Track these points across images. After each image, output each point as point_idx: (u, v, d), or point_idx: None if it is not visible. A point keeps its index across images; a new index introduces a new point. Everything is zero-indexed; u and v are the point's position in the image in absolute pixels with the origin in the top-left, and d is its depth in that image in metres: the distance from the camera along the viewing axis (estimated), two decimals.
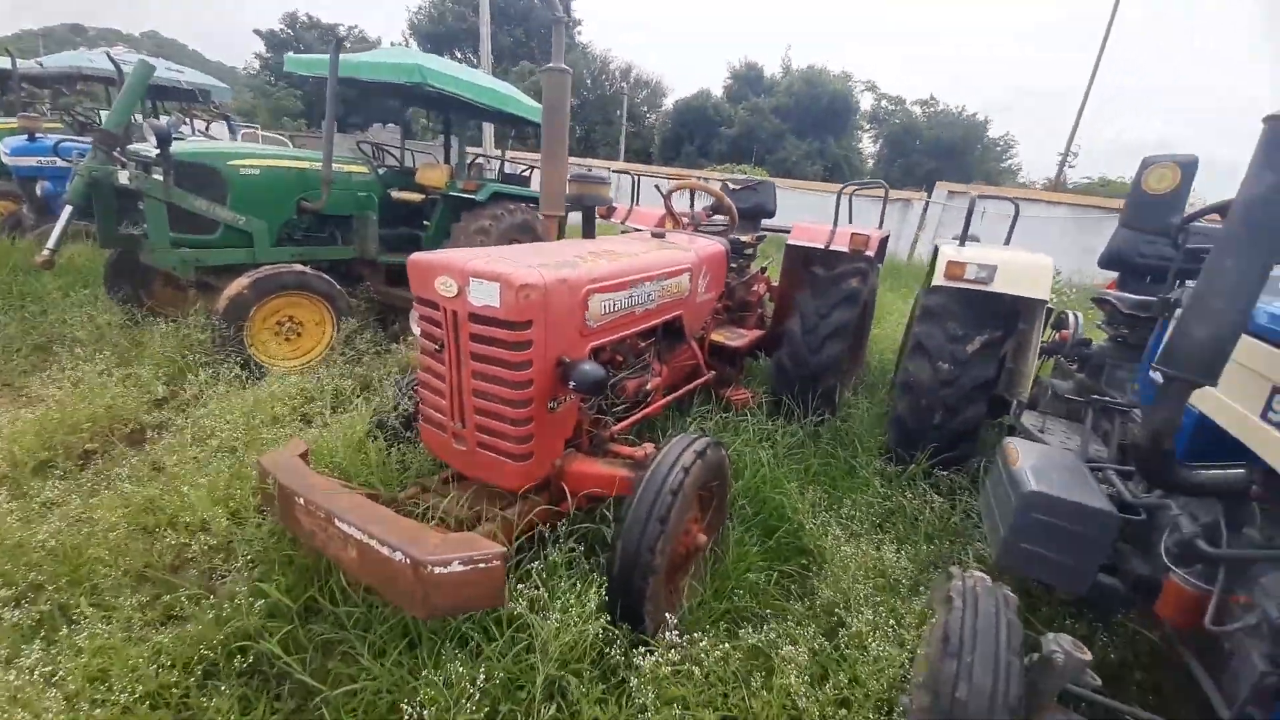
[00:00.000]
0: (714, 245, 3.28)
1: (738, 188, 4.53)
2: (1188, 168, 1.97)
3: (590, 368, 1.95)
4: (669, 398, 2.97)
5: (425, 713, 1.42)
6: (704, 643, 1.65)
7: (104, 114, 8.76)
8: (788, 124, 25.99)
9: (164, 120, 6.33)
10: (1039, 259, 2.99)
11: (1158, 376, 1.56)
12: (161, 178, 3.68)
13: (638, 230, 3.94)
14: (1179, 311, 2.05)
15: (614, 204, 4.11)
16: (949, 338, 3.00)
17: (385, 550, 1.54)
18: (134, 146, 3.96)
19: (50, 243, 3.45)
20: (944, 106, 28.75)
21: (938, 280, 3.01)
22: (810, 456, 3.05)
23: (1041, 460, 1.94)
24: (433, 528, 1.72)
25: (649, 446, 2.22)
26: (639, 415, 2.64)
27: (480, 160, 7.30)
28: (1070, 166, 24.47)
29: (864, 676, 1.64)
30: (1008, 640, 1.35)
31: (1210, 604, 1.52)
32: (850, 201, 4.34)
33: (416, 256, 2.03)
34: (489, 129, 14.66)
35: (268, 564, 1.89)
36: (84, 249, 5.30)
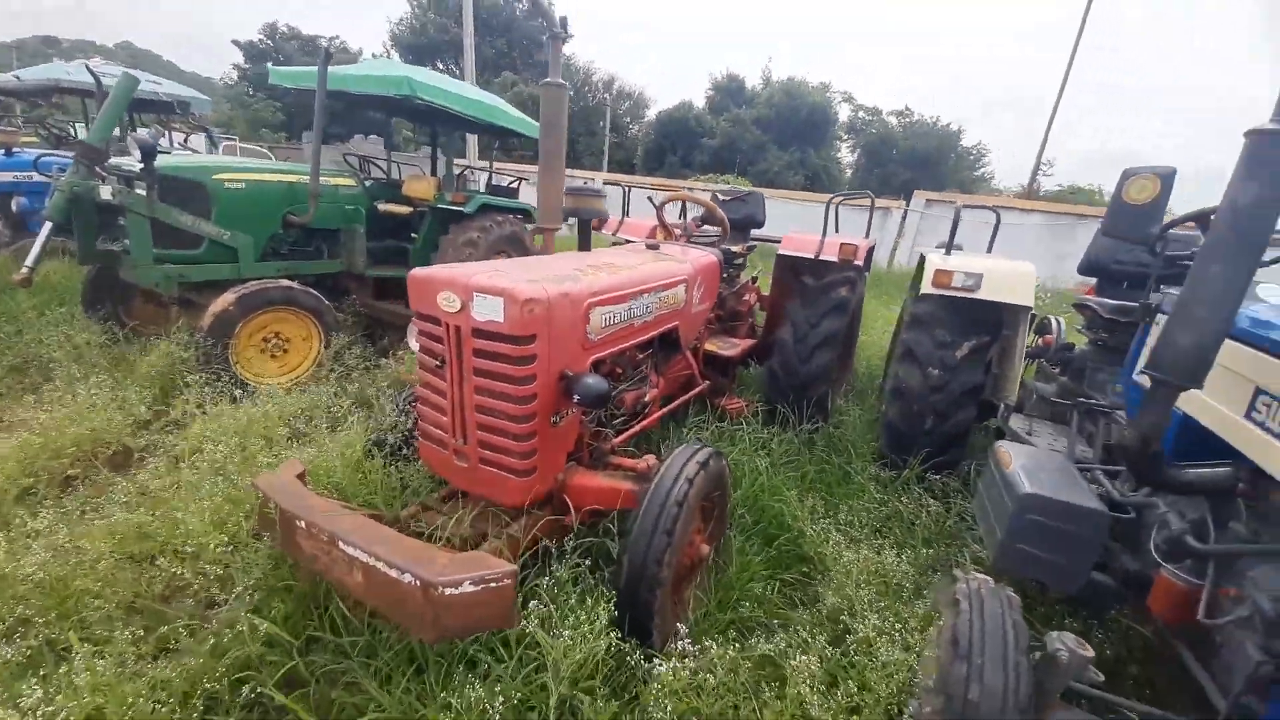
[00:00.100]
0: (707, 256, 3.32)
1: (727, 198, 4.59)
2: (1167, 179, 2.05)
3: (593, 381, 1.96)
4: (666, 409, 2.99)
5: None
6: (715, 651, 1.65)
7: (78, 127, 8.60)
8: (769, 135, 26.42)
9: (144, 132, 6.22)
10: (1022, 266, 3.08)
11: (1145, 380, 1.62)
12: (145, 193, 3.62)
13: (629, 241, 3.97)
14: (1160, 317, 2.14)
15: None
16: (938, 344, 3.07)
17: (393, 572, 1.52)
18: (116, 161, 3.88)
19: (29, 260, 3.37)
20: (919, 117, 29.49)
21: (926, 288, 3.08)
22: (806, 464, 3.08)
23: (1033, 462, 1.99)
24: (440, 547, 1.70)
25: (651, 458, 2.23)
26: (638, 427, 2.65)
27: (465, 172, 7.29)
28: (1047, 175, 25.24)
29: (873, 682, 1.66)
30: (1015, 641, 1.38)
31: (1201, 598, 1.57)
32: (837, 211, 4.42)
33: (417, 272, 2.02)
34: (472, 140, 14.65)
35: (265, 590, 1.85)
36: (60, 266, 5.17)
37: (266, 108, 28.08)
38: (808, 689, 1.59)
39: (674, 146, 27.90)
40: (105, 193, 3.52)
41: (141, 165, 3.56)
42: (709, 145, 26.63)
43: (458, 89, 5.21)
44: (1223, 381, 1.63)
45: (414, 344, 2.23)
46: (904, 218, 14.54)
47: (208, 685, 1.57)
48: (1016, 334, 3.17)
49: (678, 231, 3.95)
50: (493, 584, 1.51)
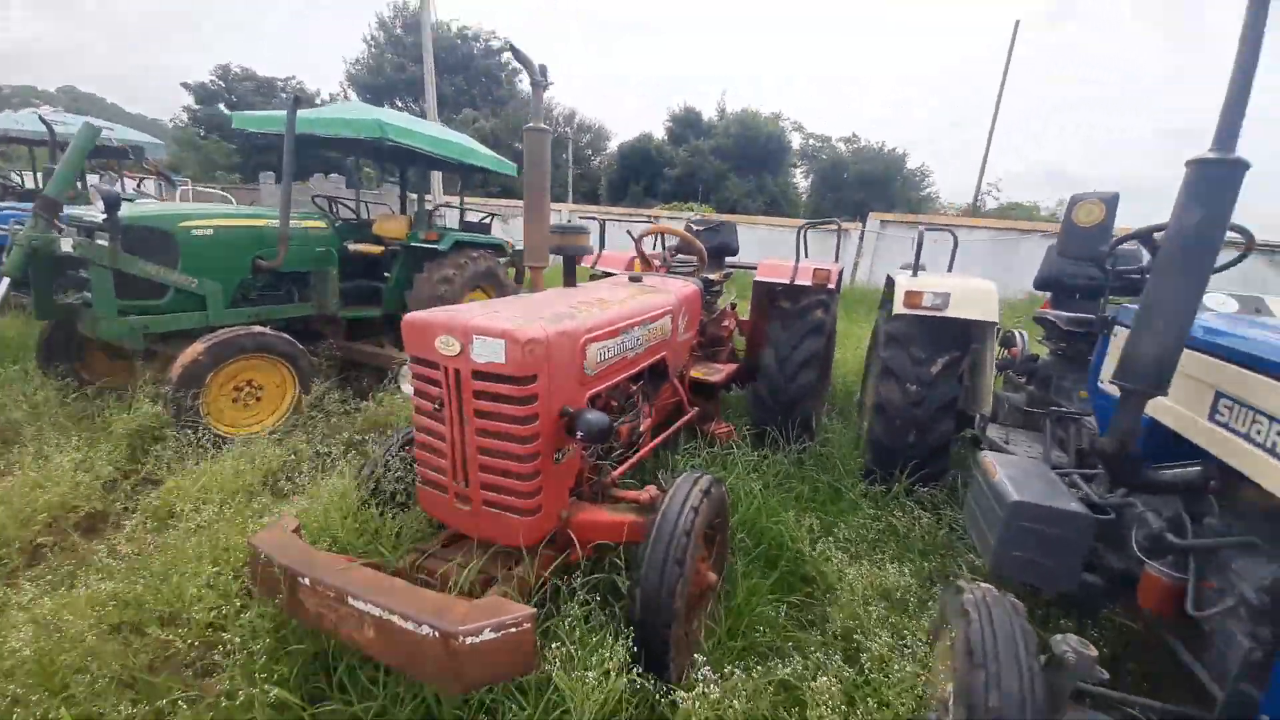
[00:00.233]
0: (689, 286, 3.41)
1: (700, 228, 4.73)
2: (1111, 203, 2.24)
3: (594, 416, 1.98)
4: (658, 438, 3.02)
5: None
6: (738, 678, 1.65)
7: (24, 176, 8.28)
8: (728, 163, 27.35)
9: (97, 180, 6.03)
10: (984, 284, 3.27)
11: (1114, 389, 1.74)
12: (108, 244, 3.50)
13: (609, 274, 4.04)
14: (1118, 328, 2.30)
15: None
16: (914, 361, 3.20)
17: (409, 625, 1.48)
18: (76, 212, 3.76)
19: None
20: (865, 143, 31.04)
21: (898, 309, 3.23)
22: (798, 484, 3.14)
23: (1016, 471, 2.09)
24: (455, 596, 1.67)
25: (653, 489, 2.24)
26: (635, 459, 2.67)
27: (430, 209, 7.29)
28: (994, 196, 26.79)
29: (891, 698, 1.69)
30: (1025, 646, 1.44)
31: (1188, 592, 1.67)
32: (805, 237, 4.61)
33: (412, 316, 2.02)
34: (436, 177, 14.67)
35: (266, 654, 1.77)
36: (12, 321, 4.90)
37: (219, 149, 27.53)
38: (829, 710, 1.61)
39: (637, 177, 28.54)
40: (66, 245, 3.39)
41: (104, 216, 3.46)
42: (670, 175, 27.36)
43: (426, 129, 5.27)
44: (1184, 388, 1.76)
45: (407, 388, 2.21)
46: (860, 239, 15.15)
47: None
48: (985, 348, 3.34)
49: (656, 263, 4.04)
50: (513, 629, 1.49)
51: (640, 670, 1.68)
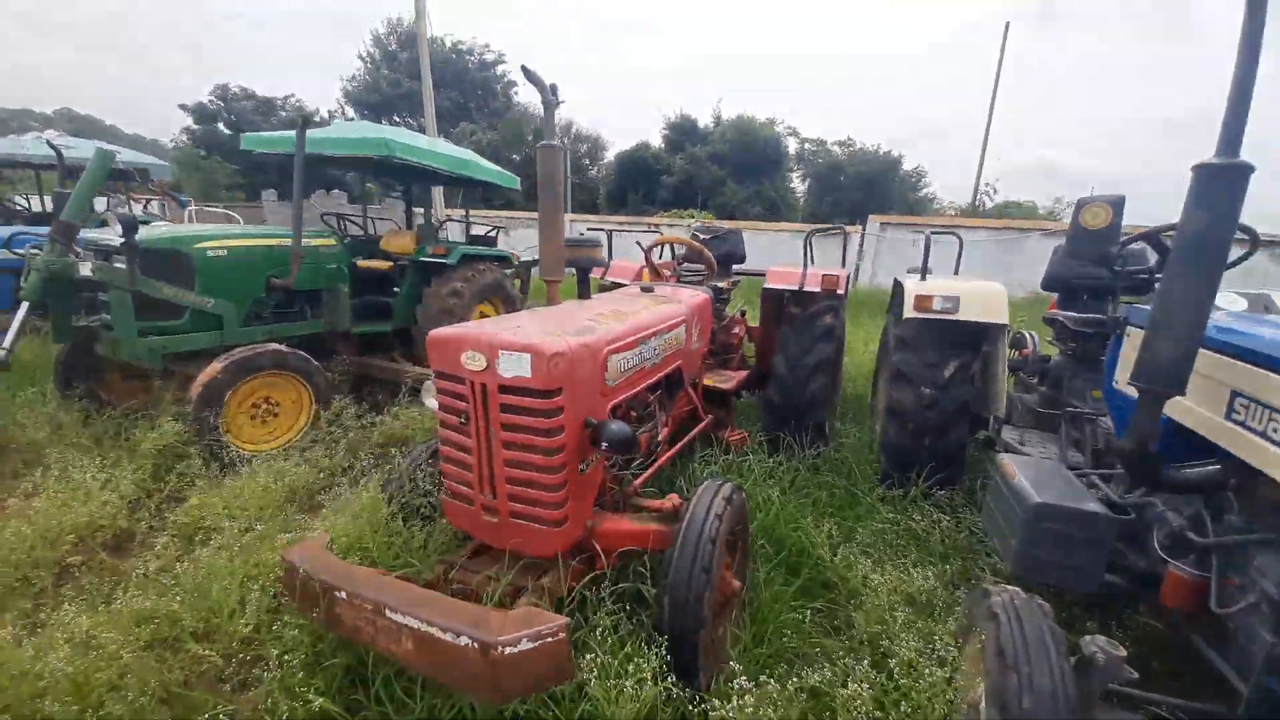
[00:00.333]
0: (700, 295, 3.45)
1: (707, 236, 4.77)
2: (1117, 206, 2.28)
3: (618, 427, 2.01)
4: (675, 447, 3.05)
5: None
6: (772, 687, 1.67)
7: (28, 200, 8.37)
8: (725, 170, 27.45)
9: (104, 201, 6.11)
10: (992, 287, 3.30)
11: (1131, 391, 1.77)
12: (126, 267, 3.56)
13: (619, 284, 4.08)
14: (1129, 328, 2.34)
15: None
16: (925, 364, 3.23)
17: (449, 636, 1.51)
18: (91, 235, 3.81)
19: (6, 342, 3.25)
20: (861, 145, 31.23)
21: (908, 312, 3.26)
22: (815, 489, 3.16)
23: (1035, 472, 2.12)
24: (491, 608, 1.69)
25: (675, 498, 2.27)
26: (654, 468, 2.70)
27: (442, 223, 7.37)
28: (990, 195, 26.88)
29: (922, 703, 1.71)
30: (1056, 647, 1.46)
31: (1210, 589, 1.69)
32: (811, 243, 4.65)
33: (437, 332, 2.06)
34: (437, 191, 14.78)
35: (303, 668, 1.79)
36: (29, 344, 4.95)
37: (221, 169, 27.71)
38: (862, 716, 1.62)
39: (635, 185, 28.66)
40: (85, 269, 3.45)
41: (123, 239, 3.51)
42: (669, 182, 27.47)
43: (430, 145, 5.34)
44: (1201, 387, 1.79)
45: (431, 402, 2.25)
46: (861, 242, 15.22)
47: None
48: (996, 350, 3.37)
49: (666, 273, 4.08)
50: (549, 639, 1.52)
51: (674, 679, 1.70)
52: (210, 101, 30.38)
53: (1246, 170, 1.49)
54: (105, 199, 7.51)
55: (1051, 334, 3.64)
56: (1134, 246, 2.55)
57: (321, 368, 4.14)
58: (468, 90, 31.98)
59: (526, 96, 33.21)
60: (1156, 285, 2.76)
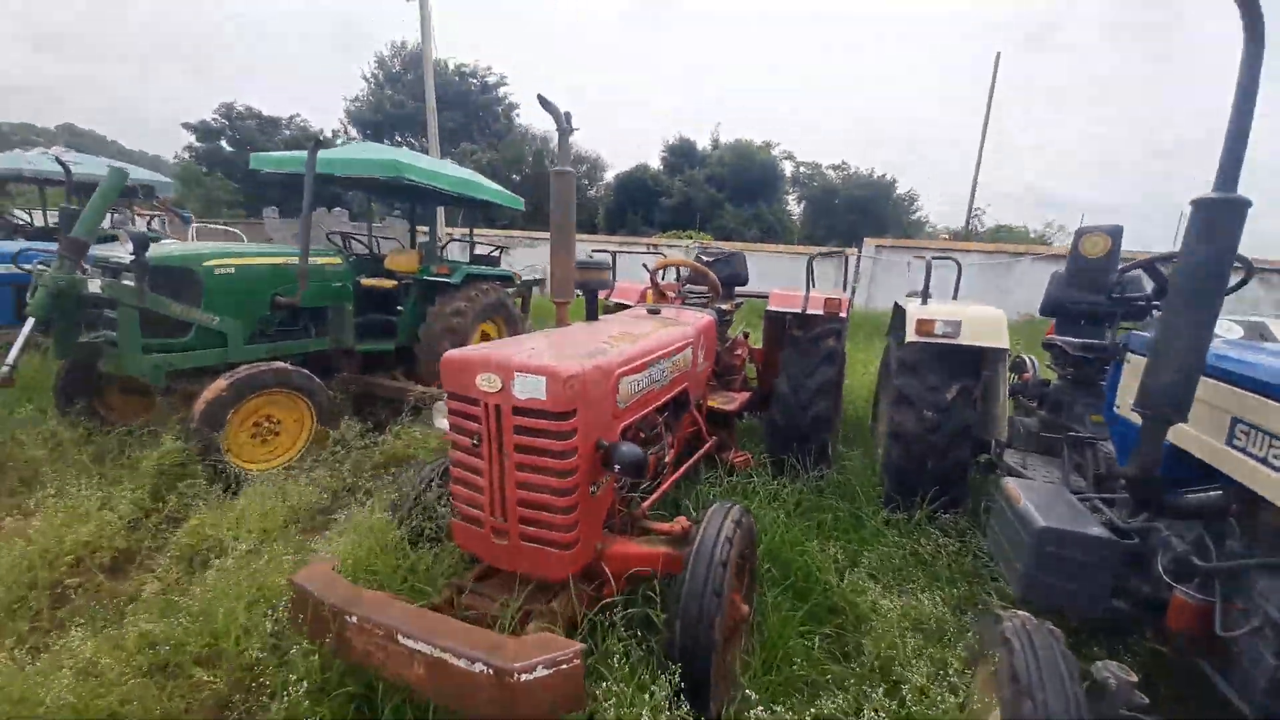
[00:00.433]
0: (705, 317, 3.49)
1: (710, 259, 4.84)
2: (1115, 235, 2.34)
3: (628, 449, 2.02)
4: (682, 469, 3.05)
5: None
6: (788, 717, 1.66)
7: (30, 215, 8.39)
8: (723, 192, 27.87)
9: (111, 217, 6.14)
10: (992, 312, 3.36)
11: (1134, 417, 1.80)
12: (135, 284, 3.57)
13: (624, 305, 4.12)
14: (1130, 355, 2.38)
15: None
16: (928, 388, 3.27)
17: (462, 662, 1.50)
18: (100, 252, 3.83)
19: (10, 358, 3.23)
20: (855, 169, 31.84)
21: (910, 337, 3.30)
22: (820, 512, 3.16)
23: (1039, 497, 2.14)
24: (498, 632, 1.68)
25: (684, 520, 2.27)
26: (661, 490, 2.70)
27: (443, 243, 7.43)
28: (980, 219, 27.36)
29: None
30: (1069, 673, 1.47)
31: (1216, 613, 1.70)
32: (812, 266, 4.72)
33: (452, 354, 2.08)
34: (440, 209, 14.95)
35: (312, 695, 1.76)
36: (29, 360, 4.92)
37: (223, 186, 27.92)
38: None
39: (634, 206, 29.01)
40: (94, 286, 3.46)
41: (133, 257, 3.54)
42: (667, 204, 27.83)
43: (436, 166, 5.43)
44: (1202, 414, 1.83)
45: (442, 423, 2.25)
46: (858, 264, 15.40)
47: None
48: (997, 374, 3.41)
49: (671, 294, 4.13)
50: (564, 665, 1.51)
51: (688, 707, 1.69)
52: (214, 119, 30.71)
53: (1244, 205, 1.55)
54: (110, 215, 7.55)
55: (1050, 358, 3.69)
56: (1131, 274, 2.61)
57: (324, 386, 4.14)
58: (470, 111, 32.50)
59: (528, 118, 33.82)
60: (1154, 312, 2.83)
